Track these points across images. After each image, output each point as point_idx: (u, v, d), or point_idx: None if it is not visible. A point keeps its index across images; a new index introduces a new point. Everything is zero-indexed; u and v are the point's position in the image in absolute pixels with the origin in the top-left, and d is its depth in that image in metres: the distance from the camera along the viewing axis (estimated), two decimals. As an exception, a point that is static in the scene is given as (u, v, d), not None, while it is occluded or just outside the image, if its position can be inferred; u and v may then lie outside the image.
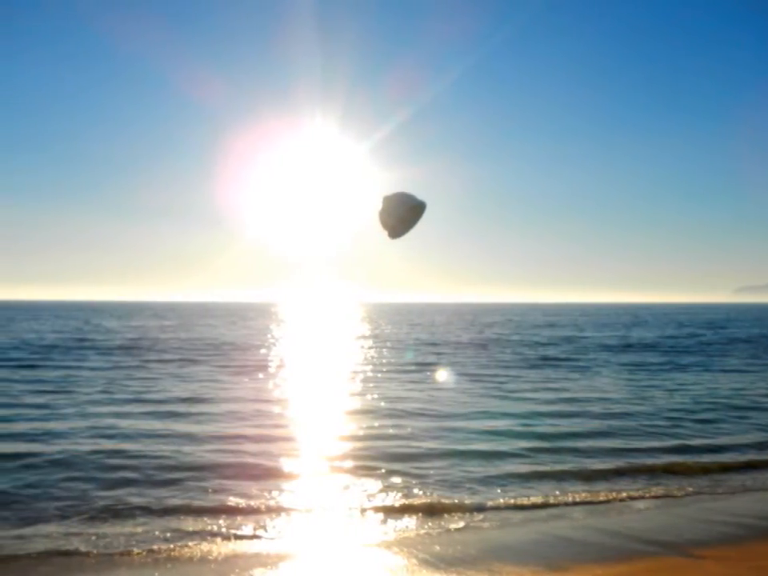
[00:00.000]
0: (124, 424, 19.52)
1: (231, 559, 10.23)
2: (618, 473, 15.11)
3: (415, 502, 12.87)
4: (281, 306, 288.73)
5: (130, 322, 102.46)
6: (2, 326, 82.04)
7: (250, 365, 37.71)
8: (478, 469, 15.15)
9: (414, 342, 60.25)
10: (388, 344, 56.54)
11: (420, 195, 5.83)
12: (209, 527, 11.49)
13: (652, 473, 15.13)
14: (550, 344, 55.40)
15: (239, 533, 11.33)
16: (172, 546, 10.66)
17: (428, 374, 34.04)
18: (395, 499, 13.08)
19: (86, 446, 16.82)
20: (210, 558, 10.26)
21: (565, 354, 45.01)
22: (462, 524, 11.87)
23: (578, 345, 54.36)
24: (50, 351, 44.54)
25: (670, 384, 29.41)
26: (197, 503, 12.66)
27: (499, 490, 13.68)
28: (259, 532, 11.40)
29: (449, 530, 11.59)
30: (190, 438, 17.91)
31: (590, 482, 14.41)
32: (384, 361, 40.86)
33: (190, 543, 10.78)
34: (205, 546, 10.69)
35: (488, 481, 14.32)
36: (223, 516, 12.04)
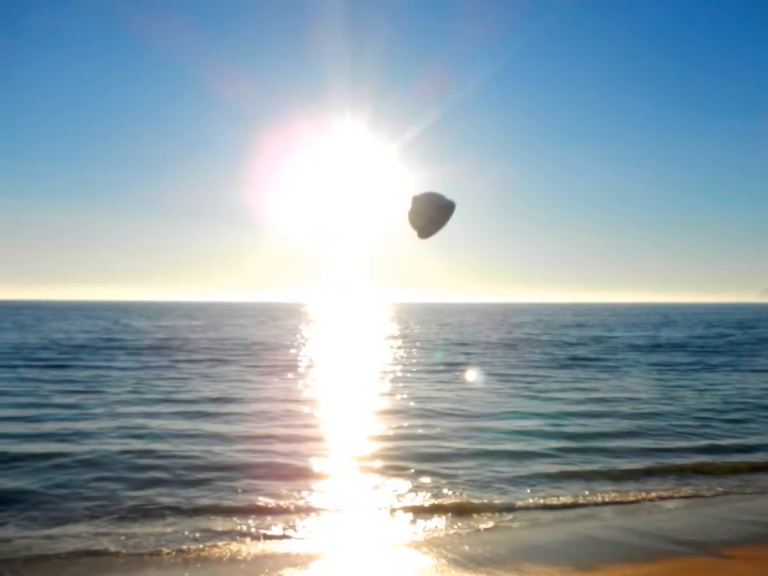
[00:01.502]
0: (153, 424, 19.63)
1: (261, 559, 10.26)
2: (648, 473, 15.05)
3: (444, 502, 12.87)
4: (310, 306, 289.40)
5: (159, 322, 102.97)
6: (31, 326, 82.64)
7: (280, 365, 37.83)
8: (508, 469, 15.13)
9: (443, 341, 60.26)
10: (417, 344, 56.58)
11: (449, 195, 5.83)
12: (238, 527, 11.53)
13: (681, 473, 15.07)
14: (580, 344, 55.25)
15: (269, 533, 11.36)
16: (201, 545, 10.70)
17: (457, 373, 34.04)
18: (424, 499, 13.09)
19: (115, 445, 16.93)
20: (240, 557, 10.30)
21: (594, 354, 44.88)
22: (491, 524, 11.86)
23: (607, 345, 54.19)
24: (79, 351, 44.85)
25: (699, 384, 29.26)
26: (226, 503, 12.72)
27: (528, 490, 13.66)
28: (289, 532, 11.43)
29: (478, 530, 11.58)
30: (220, 437, 17.97)
31: (619, 482, 14.37)
32: (413, 361, 40.91)
33: (220, 543, 10.83)
34: (234, 546, 10.73)
35: (517, 481, 14.30)
36: (253, 516, 12.08)
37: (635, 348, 50.41)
